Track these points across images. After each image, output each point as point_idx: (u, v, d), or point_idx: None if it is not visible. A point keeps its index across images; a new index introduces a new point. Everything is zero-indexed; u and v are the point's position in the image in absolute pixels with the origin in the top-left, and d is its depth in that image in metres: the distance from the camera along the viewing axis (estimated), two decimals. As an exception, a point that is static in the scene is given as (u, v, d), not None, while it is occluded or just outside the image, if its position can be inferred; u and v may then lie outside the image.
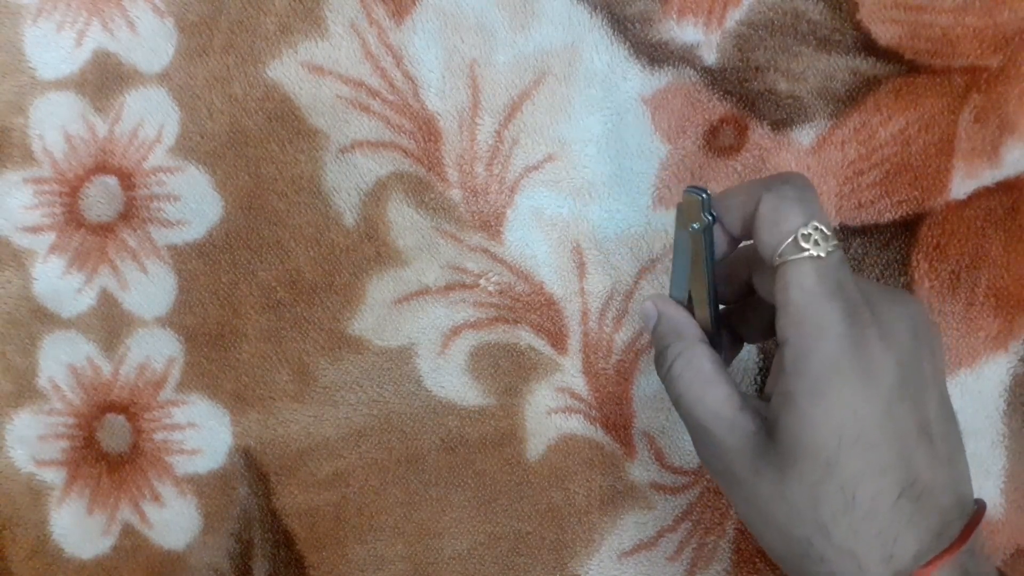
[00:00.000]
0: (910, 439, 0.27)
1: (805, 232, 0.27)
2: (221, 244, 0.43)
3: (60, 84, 0.44)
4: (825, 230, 0.27)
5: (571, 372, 0.42)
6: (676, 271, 0.33)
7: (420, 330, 0.43)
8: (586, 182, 0.42)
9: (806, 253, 0.27)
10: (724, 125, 0.42)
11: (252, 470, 0.43)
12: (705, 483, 0.42)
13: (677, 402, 0.30)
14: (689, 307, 0.33)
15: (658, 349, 0.32)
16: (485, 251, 0.43)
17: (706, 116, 0.42)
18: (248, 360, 0.43)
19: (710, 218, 0.31)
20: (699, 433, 0.30)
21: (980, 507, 0.28)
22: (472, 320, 0.43)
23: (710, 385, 0.29)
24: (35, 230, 0.44)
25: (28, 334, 0.44)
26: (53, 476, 0.44)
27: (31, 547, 0.44)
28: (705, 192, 0.31)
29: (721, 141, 0.42)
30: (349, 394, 0.43)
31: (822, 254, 0.27)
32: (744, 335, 0.35)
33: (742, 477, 0.28)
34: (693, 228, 0.31)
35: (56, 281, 0.44)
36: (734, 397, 0.29)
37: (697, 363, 0.30)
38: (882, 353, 0.26)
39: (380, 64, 0.43)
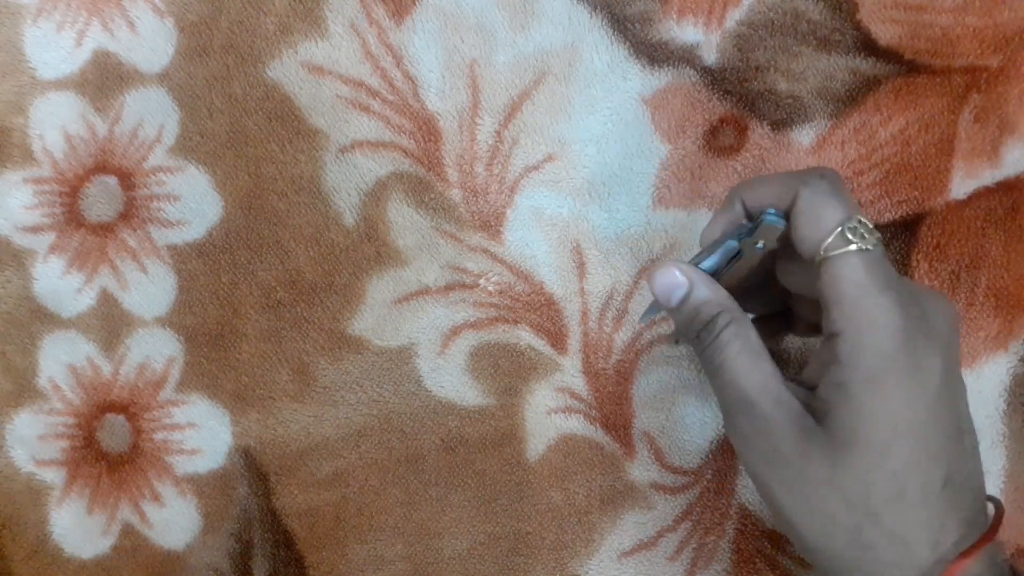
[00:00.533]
0: (951, 432, 0.28)
1: (851, 226, 0.27)
2: (221, 244, 0.43)
3: (60, 84, 0.44)
4: (868, 223, 0.28)
5: (571, 372, 0.42)
6: (704, 266, 0.32)
7: (420, 330, 0.43)
8: (586, 182, 0.42)
9: (853, 246, 0.27)
10: (724, 125, 0.42)
11: (252, 470, 0.43)
12: (705, 483, 0.42)
13: (719, 371, 0.29)
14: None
15: (697, 319, 0.30)
16: (485, 251, 0.43)
17: (706, 116, 0.42)
18: (248, 360, 0.43)
19: (778, 245, 0.30)
20: (742, 408, 0.28)
21: (997, 502, 0.29)
22: (472, 320, 0.43)
23: (759, 358, 0.29)
24: (35, 230, 0.44)
25: (28, 334, 0.44)
26: (53, 476, 0.44)
27: (31, 547, 0.44)
28: (785, 221, 0.30)
29: (721, 141, 0.42)
30: (349, 394, 0.43)
31: (869, 247, 0.27)
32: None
33: (789, 458, 0.27)
34: (758, 248, 0.30)
35: (56, 281, 0.44)
36: (779, 375, 0.29)
37: (747, 334, 0.29)
38: (930, 349, 0.27)
39: (380, 64, 0.43)
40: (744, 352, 0.29)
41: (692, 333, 0.30)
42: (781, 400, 0.28)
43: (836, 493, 0.27)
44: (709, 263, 0.31)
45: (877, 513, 0.27)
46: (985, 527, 0.28)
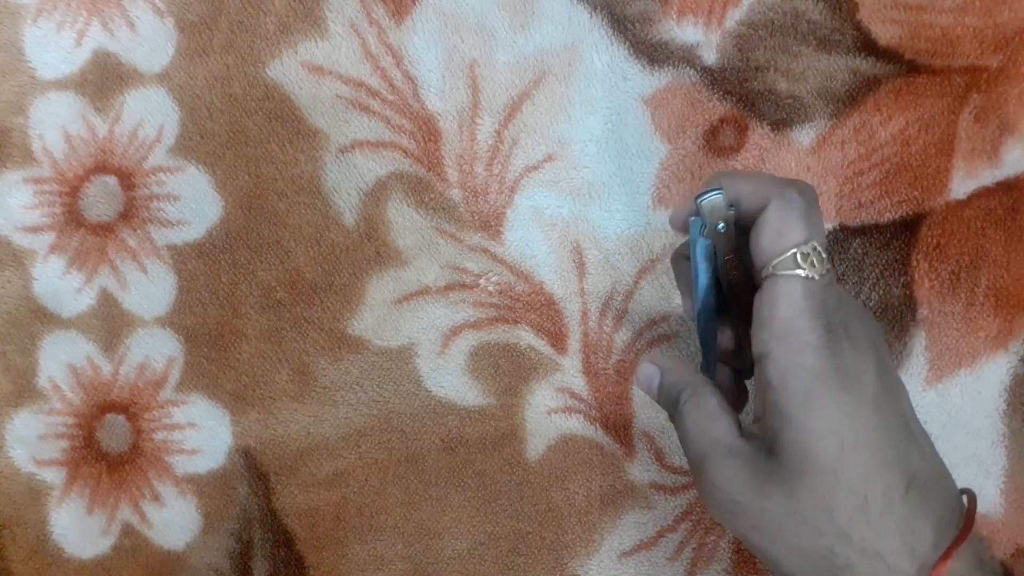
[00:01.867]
0: (901, 435, 0.28)
1: (804, 251, 0.28)
2: (221, 244, 0.43)
3: (60, 84, 0.44)
4: (823, 252, 0.28)
5: (571, 372, 0.42)
6: (701, 283, 0.32)
7: (420, 330, 0.43)
8: (586, 182, 0.42)
9: (801, 272, 0.28)
10: (724, 125, 0.42)
11: (252, 470, 0.43)
12: (705, 483, 0.42)
13: (683, 439, 0.31)
14: (714, 322, 0.33)
15: (669, 399, 0.32)
16: (485, 251, 0.43)
17: (706, 116, 0.42)
18: (248, 360, 0.43)
19: (732, 211, 0.31)
20: (702, 464, 0.30)
21: (971, 494, 0.29)
22: (472, 320, 0.43)
23: (712, 418, 0.30)
24: (35, 230, 0.44)
25: (28, 334, 0.44)
26: (53, 476, 0.44)
27: (31, 547, 0.44)
28: (719, 189, 0.30)
29: (721, 141, 0.42)
30: (349, 394, 0.43)
31: (815, 276, 0.28)
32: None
33: (747, 502, 0.28)
34: (720, 229, 0.31)
35: (56, 281, 0.44)
36: (734, 427, 0.30)
37: (703, 400, 0.31)
38: (858, 359, 0.27)
39: (380, 64, 0.43)
40: (700, 418, 0.31)
41: (670, 409, 0.33)
42: (732, 450, 0.29)
43: (801, 523, 0.27)
44: (704, 279, 0.32)
45: (845, 532, 0.27)
46: (959, 524, 0.27)
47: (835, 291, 0.28)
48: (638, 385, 0.34)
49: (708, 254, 0.31)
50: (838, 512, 0.27)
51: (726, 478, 0.29)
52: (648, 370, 0.34)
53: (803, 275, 0.28)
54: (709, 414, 0.30)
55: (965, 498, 0.29)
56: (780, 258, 0.28)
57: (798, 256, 0.28)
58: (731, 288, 0.32)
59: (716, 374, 0.33)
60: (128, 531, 0.44)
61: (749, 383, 0.34)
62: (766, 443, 0.28)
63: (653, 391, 0.34)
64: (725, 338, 0.33)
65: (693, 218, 0.31)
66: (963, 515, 0.28)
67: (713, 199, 0.31)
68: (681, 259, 0.34)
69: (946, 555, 0.26)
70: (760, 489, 0.28)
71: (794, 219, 0.28)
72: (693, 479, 0.32)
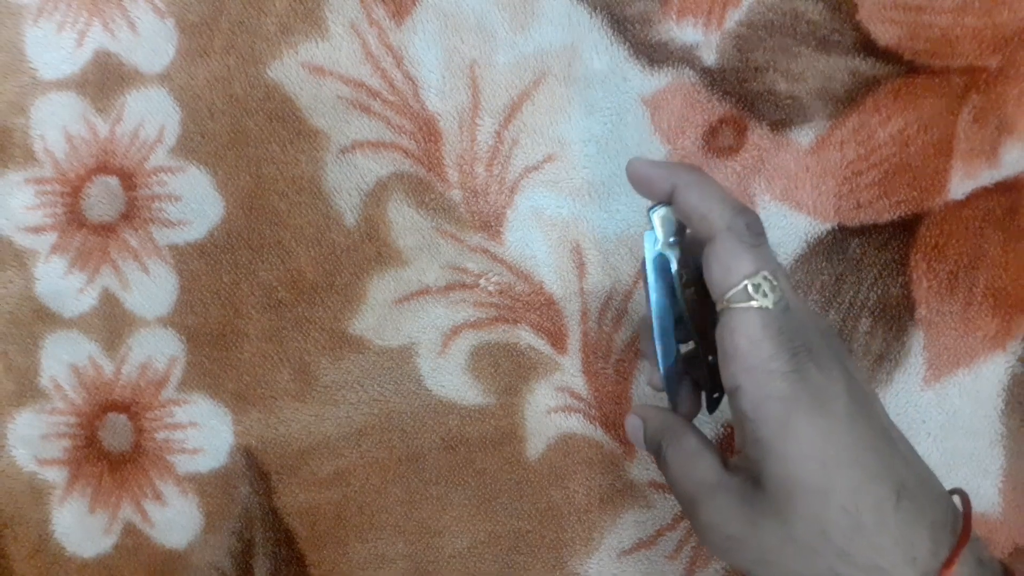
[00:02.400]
0: (882, 446, 0.28)
1: (755, 282, 0.28)
2: (222, 244, 0.44)
3: (61, 84, 0.44)
4: (773, 280, 0.28)
5: (571, 372, 0.42)
6: (658, 295, 0.32)
7: (420, 330, 0.43)
8: (586, 182, 0.42)
9: (754, 303, 0.28)
10: (724, 125, 0.42)
11: (253, 469, 0.44)
12: (704, 482, 0.42)
13: (671, 484, 0.32)
14: (675, 332, 0.33)
15: (653, 447, 0.33)
16: (485, 251, 0.43)
17: (706, 116, 0.42)
18: (249, 360, 0.43)
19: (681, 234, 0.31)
20: (692, 506, 0.30)
21: (963, 495, 0.29)
22: (472, 320, 0.43)
23: (694, 457, 0.31)
24: (37, 230, 0.44)
25: (30, 334, 0.44)
26: (55, 475, 0.44)
27: (33, 546, 0.45)
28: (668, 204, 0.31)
29: (720, 141, 0.42)
30: (350, 393, 0.43)
31: (769, 305, 0.28)
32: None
33: (742, 536, 0.28)
34: (672, 241, 0.31)
35: (58, 281, 0.44)
36: (717, 464, 0.30)
37: (684, 443, 0.31)
38: (826, 381, 0.28)
39: (380, 65, 0.43)
40: (683, 461, 0.31)
41: (655, 456, 0.33)
42: (719, 487, 0.29)
43: (798, 548, 0.27)
44: (656, 295, 0.32)
45: (843, 551, 0.27)
46: (955, 526, 0.27)
47: (792, 315, 0.29)
48: (630, 438, 0.35)
49: (661, 268, 0.32)
50: (833, 532, 0.27)
51: (718, 516, 0.29)
52: (633, 423, 0.34)
53: (756, 306, 0.28)
54: (691, 456, 0.31)
55: (957, 499, 0.29)
56: (732, 291, 0.28)
57: (749, 288, 0.28)
58: (687, 302, 0.32)
59: (675, 388, 0.33)
60: (130, 530, 0.44)
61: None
62: (751, 474, 0.28)
63: (640, 442, 0.34)
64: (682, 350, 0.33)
65: (647, 231, 0.32)
66: (959, 517, 0.28)
67: (663, 213, 0.31)
68: (641, 322, 0.35)
69: (949, 562, 0.26)
70: (753, 521, 0.28)
71: (741, 251, 0.29)
72: (691, 523, 0.32)
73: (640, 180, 0.32)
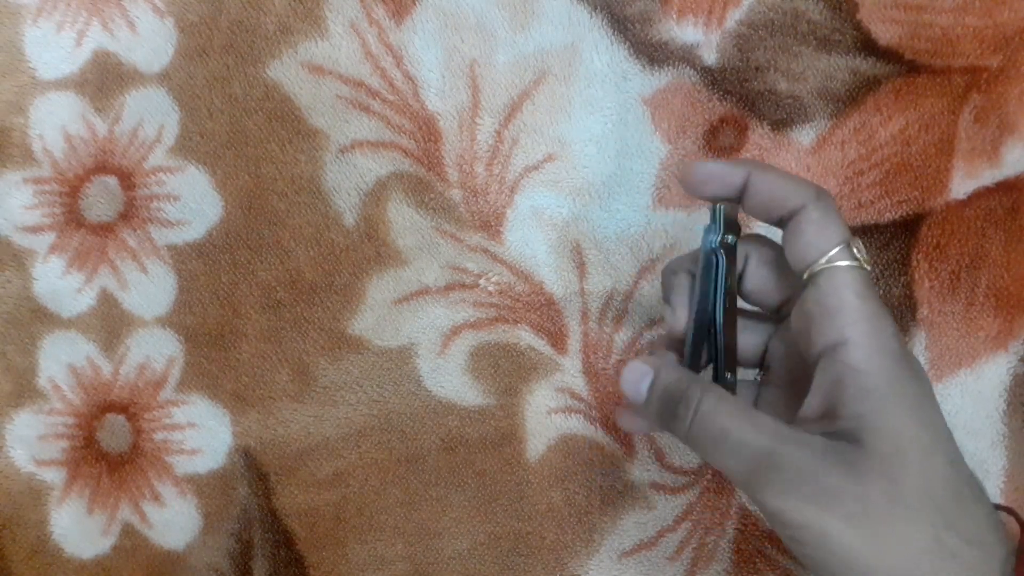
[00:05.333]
0: (950, 431, 0.27)
1: (857, 244, 0.28)
2: (221, 244, 0.43)
3: (60, 84, 0.44)
4: (864, 248, 0.28)
5: (571, 372, 0.42)
6: (707, 288, 0.31)
7: (420, 330, 0.43)
8: (586, 182, 0.42)
9: (856, 263, 0.28)
10: (724, 125, 0.42)
11: (252, 470, 0.43)
12: (705, 483, 0.42)
13: (721, 440, 0.27)
14: (714, 331, 0.31)
15: (672, 396, 0.29)
16: (485, 251, 0.43)
17: (706, 116, 0.42)
18: (248, 360, 0.43)
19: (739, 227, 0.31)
20: (765, 464, 0.26)
21: (1009, 508, 0.29)
22: (472, 320, 0.43)
23: (750, 415, 0.27)
24: (35, 230, 0.44)
25: (28, 334, 0.44)
26: (53, 476, 0.44)
27: (31, 547, 0.44)
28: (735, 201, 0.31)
29: (721, 141, 0.42)
30: (349, 394, 0.43)
31: (868, 267, 0.28)
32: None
33: (842, 490, 0.25)
34: (730, 240, 0.31)
35: (56, 281, 0.44)
36: (781, 422, 0.27)
37: (727, 395, 0.28)
38: (912, 355, 0.28)
39: (380, 64, 0.43)
40: (737, 411, 0.27)
41: (668, 415, 0.29)
42: (802, 440, 0.26)
43: (905, 509, 0.25)
44: (710, 288, 0.31)
45: (949, 520, 0.25)
46: (1001, 527, 0.27)
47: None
48: (623, 388, 0.30)
49: (710, 265, 0.31)
50: (940, 496, 0.26)
51: (812, 468, 0.26)
52: (637, 370, 0.30)
53: (859, 265, 0.28)
54: (746, 408, 0.28)
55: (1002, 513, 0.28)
56: (834, 251, 0.28)
57: (853, 248, 0.28)
58: (725, 303, 0.31)
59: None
60: (128, 531, 0.44)
61: None
62: (844, 428, 0.26)
63: (641, 394, 0.30)
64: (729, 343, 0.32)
65: (706, 226, 0.31)
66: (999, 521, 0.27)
67: (726, 208, 0.31)
68: (671, 273, 0.32)
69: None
70: (856, 475, 0.26)
71: (835, 217, 0.28)
72: (748, 489, 0.27)
73: (708, 178, 0.30)
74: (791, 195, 0.29)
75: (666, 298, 0.33)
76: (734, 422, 0.27)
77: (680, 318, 0.32)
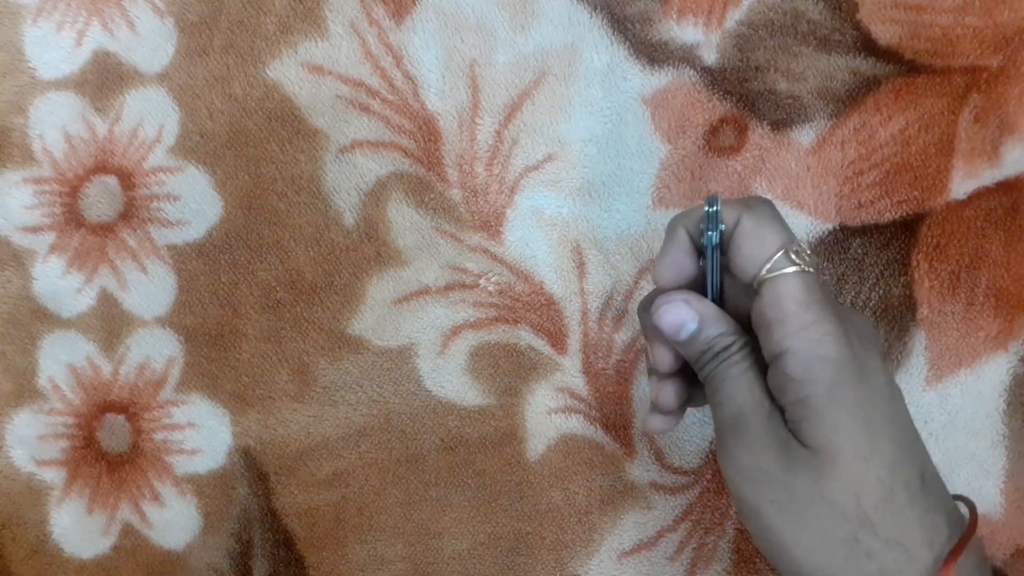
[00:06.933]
0: (909, 429, 0.28)
1: (794, 249, 0.28)
2: (221, 244, 0.43)
3: (60, 84, 0.44)
4: (806, 249, 0.28)
5: (571, 372, 0.42)
6: (713, 281, 0.31)
7: (420, 330, 0.43)
8: (586, 182, 0.42)
9: (794, 268, 0.28)
10: (724, 125, 0.42)
11: (252, 470, 0.43)
12: (705, 483, 0.42)
13: (723, 385, 0.29)
14: None
15: (713, 348, 0.30)
16: (485, 251, 0.43)
17: (706, 116, 0.42)
18: (248, 360, 0.43)
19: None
20: (733, 423, 0.29)
21: (967, 499, 0.29)
22: (472, 320, 0.43)
23: (758, 380, 0.29)
24: (35, 230, 0.44)
25: (28, 334, 0.44)
26: (53, 476, 0.44)
27: (31, 547, 0.44)
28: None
29: (721, 141, 0.42)
30: (349, 394, 0.43)
31: (809, 269, 0.28)
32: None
33: (775, 475, 0.28)
34: (714, 241, 0.31)
35: (56, 281, 0.44)
36: (768, 395, 0.29)
37: (757, 359, 0.29)
38: (868, 353, 0.28)
39: (380, 64, 0.43)
40: (750, 371, 0.29)
41: (704, 360, 0.30)
42: (772, 418, 0.28)
43: (827, 506, 0.27)
44: (714, 274, 0.31)
45: (871, 520, 0.27)
46: (962, 523, 0.28)
47: (826, 285, 0.28)
48: (660, 324, 0.30)
49: (712, 263, 0.31)
50: (865, 499, 0.27)
51: (761, 442, 0.28)
52: (683, 314, 0.30)
53: (798, 269, 0.28)
54: (757, 375, 0.29)
55: (961, 505, 0.29)
56: (772, 260, 0.28)
57: (789, 254, 0.28)
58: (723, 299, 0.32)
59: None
60: (128, 531, 0.44)
61: None
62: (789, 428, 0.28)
63: (687, 333, 0.30)
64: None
65: (710, 231, 0.31)
66: (964, 518, 0.28)
67: (711, 210, 0.31)
68: (645, 311, 0.32)
69: (958, 548, 0.26)
70: (787, 466, 0.27)
71: (771, 224, 0.29)
72: (717, 443, 0.30)
73: (672, 285, 0.31)
74: (728, 217, 0.29)
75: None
76: (742, 378, 0.29)
77: (660, 355, 0.32)
